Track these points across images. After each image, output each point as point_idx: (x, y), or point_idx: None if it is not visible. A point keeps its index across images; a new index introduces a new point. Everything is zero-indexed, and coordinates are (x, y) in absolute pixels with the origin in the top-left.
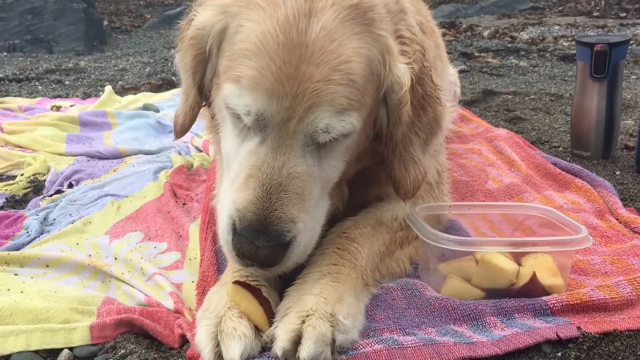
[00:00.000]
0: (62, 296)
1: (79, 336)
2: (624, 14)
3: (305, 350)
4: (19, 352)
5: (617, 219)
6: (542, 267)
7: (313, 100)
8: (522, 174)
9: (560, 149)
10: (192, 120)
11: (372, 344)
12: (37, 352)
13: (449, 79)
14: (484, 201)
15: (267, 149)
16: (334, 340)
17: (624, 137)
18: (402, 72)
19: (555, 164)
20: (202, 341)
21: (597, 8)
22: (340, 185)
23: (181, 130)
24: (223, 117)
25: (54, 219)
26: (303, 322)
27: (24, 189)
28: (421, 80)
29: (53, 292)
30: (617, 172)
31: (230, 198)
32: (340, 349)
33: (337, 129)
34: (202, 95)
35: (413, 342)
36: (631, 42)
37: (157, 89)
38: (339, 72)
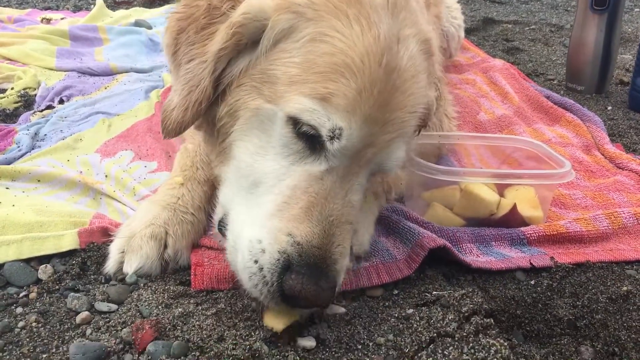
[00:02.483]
0: (54, 210)
1: (68, 241)
2: None
3: None
4: (12, 262)
5: (602, 154)
6: (523, 199)
7: (400, 131)
8: (514, 106)
9: (555, 82)
10: (195, 117)
11: (370, 259)
12: (29, 263)
13: (451, 29)
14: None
15: (335, 177)
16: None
17: (620, 71)
18: (432, 98)
19: (548, 97)
20: (111, 251)
21: None
22: None
23: (177, 128)
24: (262, 131)
25: (45, 135)
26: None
27: (15, 103)
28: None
29: (44, 206)
30: (609, 108)
31: (283, 229)
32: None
33: (405, 155)
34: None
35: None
36: None
37: (150, 4)
38: (420, 105)
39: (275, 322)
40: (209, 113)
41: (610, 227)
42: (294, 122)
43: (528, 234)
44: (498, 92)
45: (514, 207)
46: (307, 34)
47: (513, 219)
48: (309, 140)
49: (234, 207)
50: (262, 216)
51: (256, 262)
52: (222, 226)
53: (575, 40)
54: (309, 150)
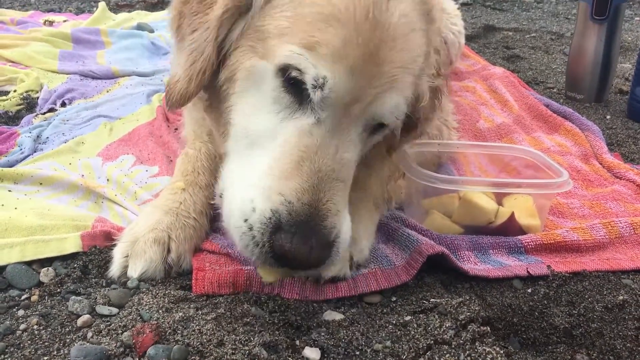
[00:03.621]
0: (56, 214)
1: (71, 244)
2: None
3: (331, 267)
4: (14, 265)
5: (601, 163)
6: (521, 207)
7: (391, 85)
8: (514, 114)
9: (555, 90)
10: (199, 87)
11: (369, 265)
12: (31, 266)
13: (449, 35)
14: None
15: (324, 131)
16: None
17: (619, 80)
18: (425, 85)
19: (547, 106)
20: (115, 256)
21: None
22: None
23: (181, 99)
24: (257, 87)
25: (47, 138)
26: None
27: (17, 105)
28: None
29: (47, 209)
30: (608, 116)
31: (274, 187)
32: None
33: (403, 113)
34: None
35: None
36: None
37: (152, 7)
38: (415, 62)
39: (267, 274)
40: (213, 85)
41: (607, 237)
42: (283, 72)
43: (525, 242)
44: (498, 100)
45: (512, 215)
46: None
47: (511, 227)
48: (298, 93)
49: (232, 170)
50: (255, 175)
51: (246, 220)
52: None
53: (575, 49)
54: (297, 104)
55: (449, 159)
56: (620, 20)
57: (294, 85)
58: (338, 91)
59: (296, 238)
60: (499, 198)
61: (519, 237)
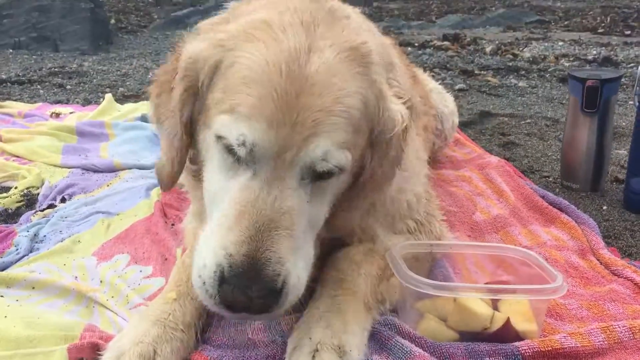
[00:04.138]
0: (45, 323)
1: (57, 358)
2: (629, 32)
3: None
4: None
5: (598, 259)
6: (517, 312)
7: (314, 130)
8: (510, 206)
9: (551, 179)
10: (181, 165)
11: None
12: None
13: (445, 110)
14: (469, 235)
15: (260, 183)
16: None
17: (615, 168)
18: (396, 110)
19: (543, 197)
20: None
21: (603, 25)
22: None
23: (169, 181)
24: (211, 155)
25: (44, 236)
26: (313, 356)
27: (17, 202)
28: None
29: (36, 317)
30: (605, 207)
31: (219, 243)
32: None
33: (336, 159)
34: (189, 136)
35: None
36: (631, 64)
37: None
38: (340, 104)
39: None
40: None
41: (605, 342)
42: (220, 138)
43: (523, 349)
44: (494, 190)
45: (508, 321)
46: (228, 62)
47: (507, 333)
48: (235, 153)
49: (204, 232)
50: (208, 235)
51: (200, 276)
52: None
53: (567, 140)
54: (237, 162)
55: (444, 255)
56: (611, 112)
57: (229, 147)
58: (261, 144)
59: (236, 289)
60: (495, 301)
61: (516, 343)
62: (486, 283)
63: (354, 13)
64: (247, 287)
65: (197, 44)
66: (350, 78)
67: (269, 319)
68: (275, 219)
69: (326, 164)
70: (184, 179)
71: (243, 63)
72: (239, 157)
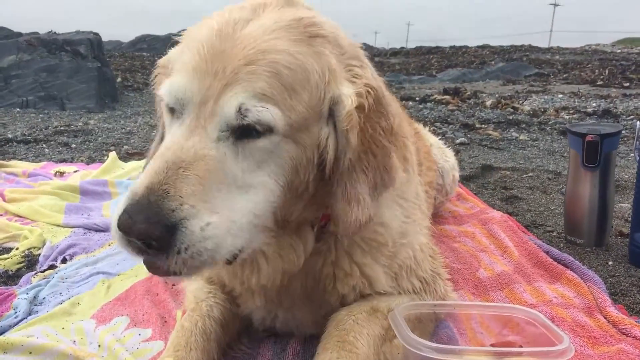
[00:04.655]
0: None
1: None
2: (627, 84)
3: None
4: None
5: (605, 317)
6: None
7: (231, 79)
8: (514, 262)
9: (555, 233)
10: None
11: None
12: None
13: (446, 165)
14: (473, 293)
15: (183, 130)
16: None
17: (619, 222)
18: (346, 93)
19: (547, 252)
20: None
21: (601, 77)
22: (297, 231)
23: None
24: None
25: (44, 298)
26: None
27: (18, 263)
28: (370, 120)
29: None
30: (610, 263)
31: (132, 187)
32: None
33: (253, 113)
34: None
35: None
36: (631, 116)
37: None
38: (263, 59)
39: None
40: None
41: None
42: (162, 103)
43: None
44: (497, 245)
45: None
46: (183, 44)
47: None
48: (173, 110)
49: None
50: None
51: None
52: None
53: (570, 194)
54: (175, 118)
55: (448, 314)
56: (612, 166)
57: (168, 105)
58: (184, 93)
59: (123, 214)
60: None
61: None
62: (492, 344)
63: (328, 22)
64: (139, 212)
65: (172, 49)
66: (286, 41)
67: (167, 265)
68: (186, 160)
69: (240, 117)
70: None
71: (189, 36)
72: (174, 111)
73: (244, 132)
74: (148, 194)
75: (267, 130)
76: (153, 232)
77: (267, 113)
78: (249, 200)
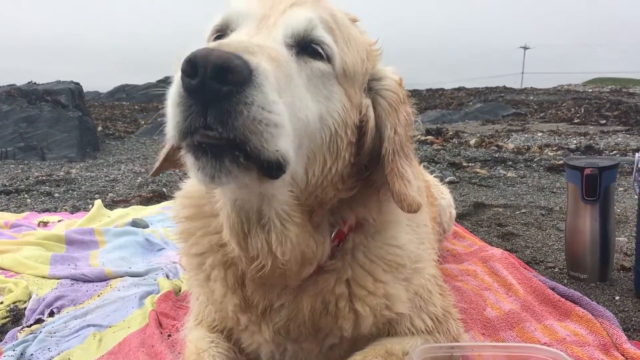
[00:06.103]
0: None
1: None
2: (604, 121)
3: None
4: None
5: (623, 355)
6: None
7: (297, 1)
8: (520, 299)
9: (556, 269)
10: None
11: None
12: None
13: (442, 202)
14: (483, 333)
15: (244, 35)
16: None
17: (619, 256)
18: (391, 70)
19: (553, 289)
20: None
21: (578, 115)
22: (317, 229)
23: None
24: None
25: (32, 354)
26: None
27: (3, 318)
28: (401, 113)
29: None
30: (617, 297)
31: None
32: None
33: (319, 31)
34: None
35: None
36: (614, 152)
37: (147, 201)
38: (326, 3)
39: None
40: None
41: None
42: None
43: None
44: (501, 283)
45: None
46: None
47: None
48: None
49: None
50: None
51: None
52: None
53: (570, 229)
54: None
55: (464, 357)
56: (611, 199)
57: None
58: (244, 10)
59: (195, 57)
60: None
61: None
62: None
63: None
64: (214, 48)
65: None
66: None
67: (230, 126)
68: (256, 45)
69: (312, 27)
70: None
71: None
72: (222, 34)
73: (305, 48)
74: (219, 46)
75: (327, 57)
76: (233, 60)
77: (330, 39)
78: (306, 110)
